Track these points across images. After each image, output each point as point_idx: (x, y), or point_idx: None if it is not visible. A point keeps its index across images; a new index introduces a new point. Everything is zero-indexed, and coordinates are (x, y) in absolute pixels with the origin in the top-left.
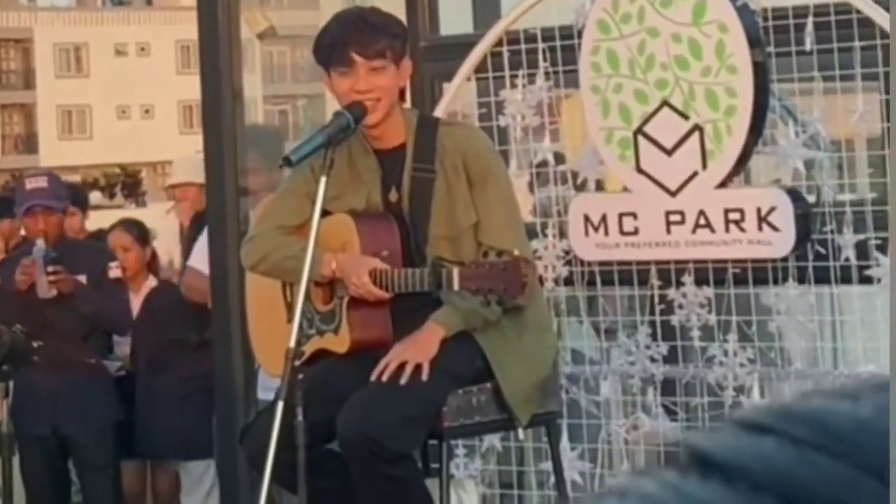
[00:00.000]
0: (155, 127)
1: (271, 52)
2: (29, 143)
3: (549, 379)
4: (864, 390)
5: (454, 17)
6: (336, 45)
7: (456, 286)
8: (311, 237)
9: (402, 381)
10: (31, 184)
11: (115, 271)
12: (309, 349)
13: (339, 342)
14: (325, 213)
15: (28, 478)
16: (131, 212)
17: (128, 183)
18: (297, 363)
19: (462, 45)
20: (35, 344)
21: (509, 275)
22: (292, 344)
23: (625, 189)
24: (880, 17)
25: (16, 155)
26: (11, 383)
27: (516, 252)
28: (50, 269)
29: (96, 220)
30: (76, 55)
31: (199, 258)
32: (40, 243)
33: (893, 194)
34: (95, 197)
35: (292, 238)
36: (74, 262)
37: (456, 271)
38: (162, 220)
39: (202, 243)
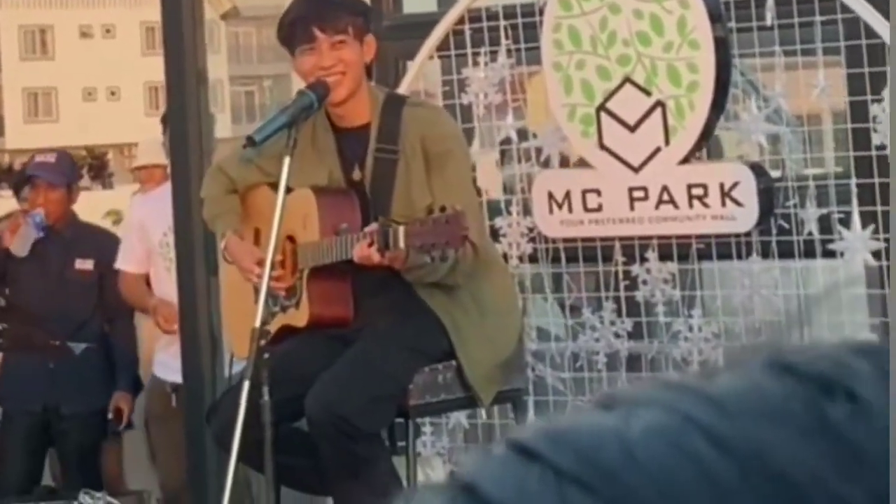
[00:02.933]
0: (121, 109)
1: (237, 32)
2: None
3: (513, 357)
4: (640, 403)
5: None
6: (298, 23)
7: (402, 243)
8: (276, 215)
9: None
10: (39, 158)
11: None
12: (273, 327)
13: (299, 316)
14: (287, 189)
15: (6, 455)
16: (98, 194)
17: (94, 165)
18: (263, 342)
19: (425, 24)
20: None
21: (451, 228)
22: (257, 324)
23: (588, 165)
24: None
25: None
26: None
27: (458, 207)
28: None
29: None
30: (41, 37)
31: (126, 256)
32: (40, 211)
33: (894, 192)
34: None
35: (231, 198)
36: (83, 246)
37: (402, 228)
38: (128, 201)
39: (127, 240)
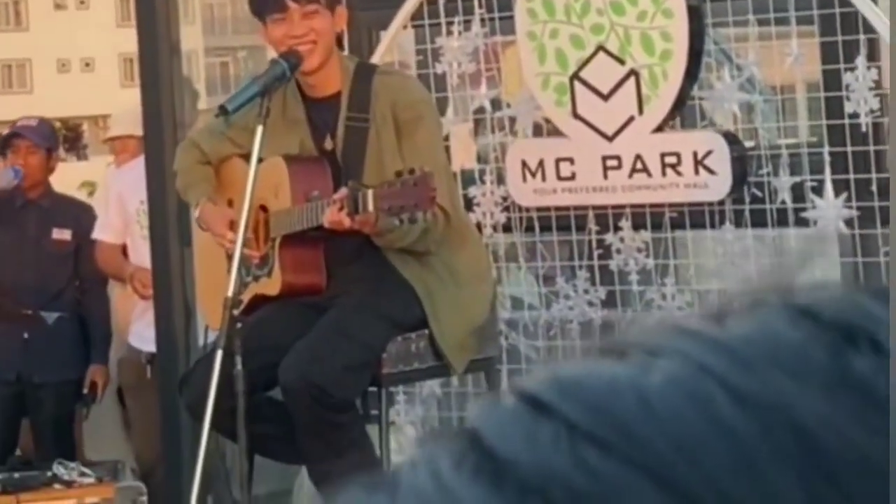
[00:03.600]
0: (95, 80)
1: (211, 4)
2: None
3: (486, 326)
4: (654, 352)
5: None
6: None
7: (370, 206)
8: (249, 184)
9: None
10: (21, 122)
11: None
12: (246, 296)
13: (271, 285)
14: (259, 159)
15: None
16: (73, 165)
17: (69, 137)
18: (235, 312)
19: None
20: None
21: (420, 190)
22: (230, 293)
23: (561, 134)
24: None
25: None
26: None
27: (426, 168)
28: None
29: None
30: (15, 8)
31: (104, 226)
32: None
33: (894, 190)
34: None
35: (204, 168)
36: (60, 216)
37: (371, 192)
38: (103, 173)
39: (104, 211)
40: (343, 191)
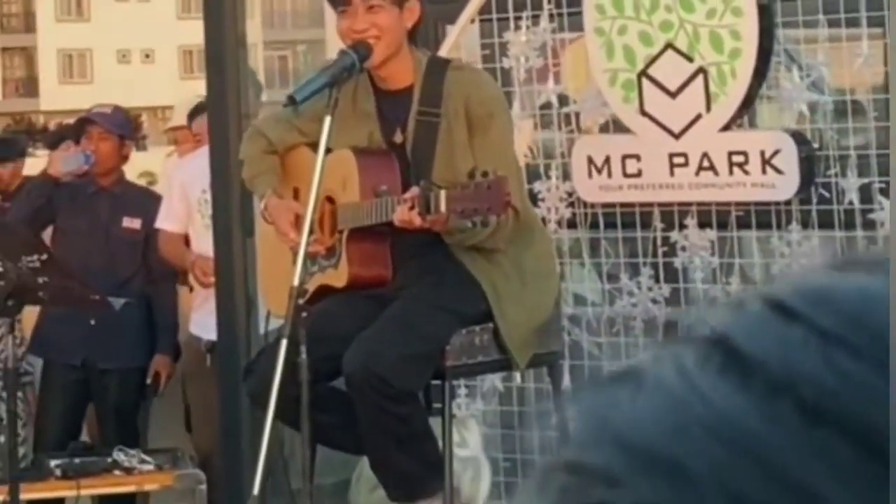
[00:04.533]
0: (155, 72)
1: None
2: (29, 87)
3: (550, 321)
4: (865, 262)
5: None
6: None
7: (443, 208)
8: (316, 176)
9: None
10: (95, 109)
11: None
12: (311, 286)
13: (337, 276)
14: (327, 149)
15: (46, 409)
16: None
17: None
18: (300, 301)
19: None
20: (40, 280)
21: (493, 194)
22: (296, 282)
23: (628, 131)
24: None
25: (16, 98)
26: (18, 319)
27: (500, 172)
28: None
29: None
30: None
31: (167, 216)
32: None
33: (894, 187)
34: None
35: (270, 158)
36: (131, 204)
37: (443, 193)
38: (163, 163)
39: (168, 200)
40: (415, 190)
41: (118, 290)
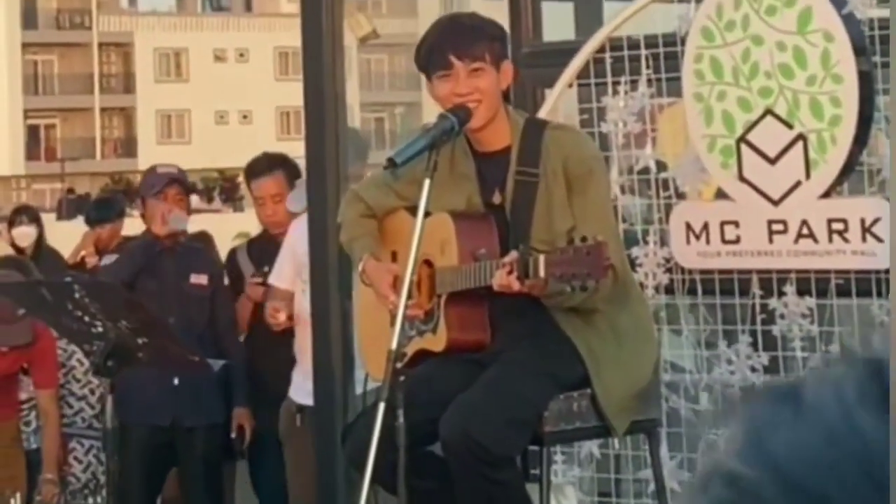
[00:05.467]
0: (253, 132)
1: (369, 59)
2: (128, 147)
3: (648, 387)
4: None
5: (557, 23)
6: (435, 49)
7: (542, 272)
8: (415, 239)
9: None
10: (162, 168)
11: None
12: (410, 350)
13: (436, 341)
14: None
15: (128, 473)
16: (229, 216)
17: (225, 187)
18: (398, 365)
19: (564, 52)
20: (140, 341)
21: (593, 259)
22: (393, 346)
23: (727, 197)
24: None
25: (115, 158)
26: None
27: (599, 237)
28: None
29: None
30: (176, 60)
31: (277, 274)
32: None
33: (894, 190)
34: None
35: (368, 222)
36: (196, 261)
37: (542, 258)
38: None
39: (280, 258)
40: (513, 254)
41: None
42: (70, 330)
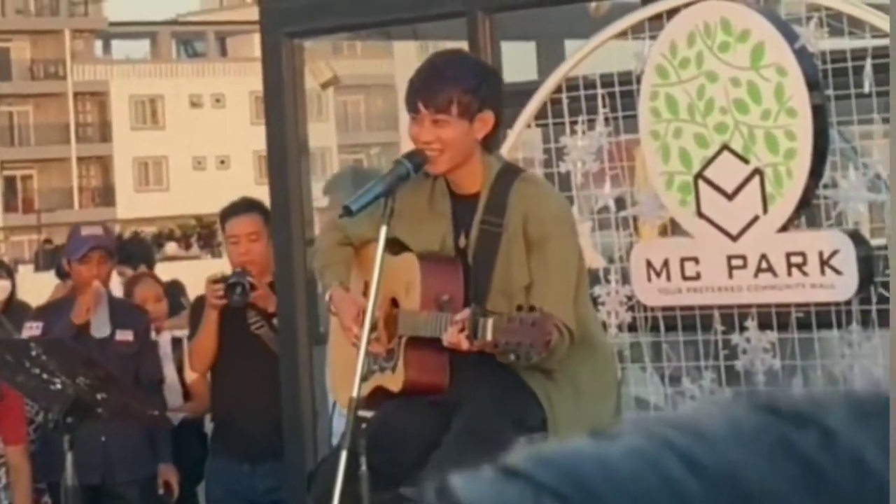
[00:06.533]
0: (230, 178)
1: (345, 101)
2: (106, 196)
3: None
4: (624, 431)
5: (518, 63)
6: (409, 90)
7: (489, 337)
8: (374, 280)
9: None
10: (86, 231)
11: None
12: (369, 385)
13: (393, 381)
14: (402, 247)
15: None
16: (208, 262)
17: (203, 234)
18: (360, 412)
19: (524, 92)
20: (99, 396)
21: (537, 331)
22: (354, 393)
23: (686, 234)
24: None
25: (93, 208)
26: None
27: (546, 309)
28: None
29: (172, 271)
30: (152, 107)
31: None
32: (98, 284)
33: (894, 193)
34: (171, 248)
35: (343, 249)
36: (122, 319)
37: (490, 322)
38: None
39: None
40: (466, 312)
41: None
42: (28, 387)
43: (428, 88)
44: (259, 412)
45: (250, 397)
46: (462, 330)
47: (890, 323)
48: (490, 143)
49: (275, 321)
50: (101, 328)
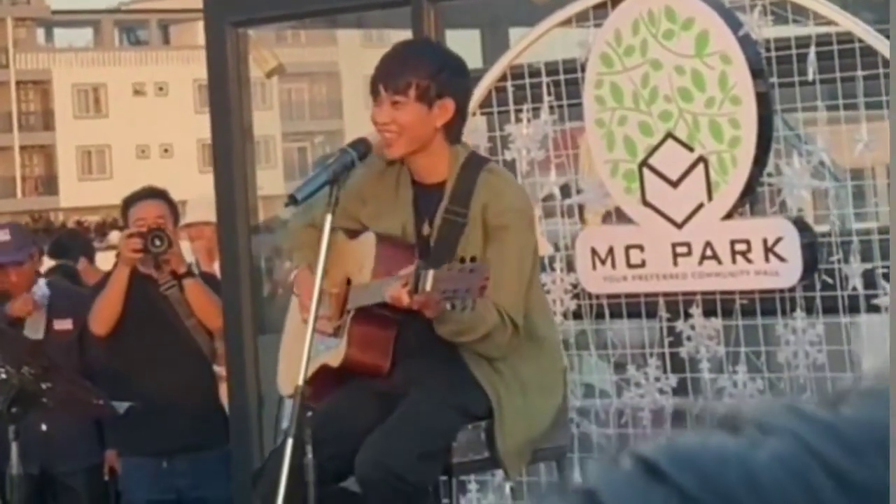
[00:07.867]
0: (174, 166)
1: (289, 89)
2: (49, 185)
3: (547, 430)
4: (766, 429)
5: (463, 52)
6: (373, 75)
7: (429, 287)
8: (319, 267)
9: None
10: None
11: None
12: (313, 366)
13: (335, 356)
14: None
15: None
16: None
17: None
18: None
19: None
20: (44, 386)
21: (474, 276)
22: (300, 382)
23: (631, 221)
24: (882, 46)
25: (36, 196)
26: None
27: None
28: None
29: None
30: (95, 95)
31: None
32: (42, 283)
33: (894, 193)
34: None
35: (313, 232)
36: (60, 307)
37: (431, 272)
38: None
39: None
40: (410, 268)
41: None
42: None
43: (389, 71)
44: (174, 398)
45: (166, 383)
46: (405, 285)
47: (889, 320)
48: (453, 132)
49: (184, 282)
50: (34, 330)
